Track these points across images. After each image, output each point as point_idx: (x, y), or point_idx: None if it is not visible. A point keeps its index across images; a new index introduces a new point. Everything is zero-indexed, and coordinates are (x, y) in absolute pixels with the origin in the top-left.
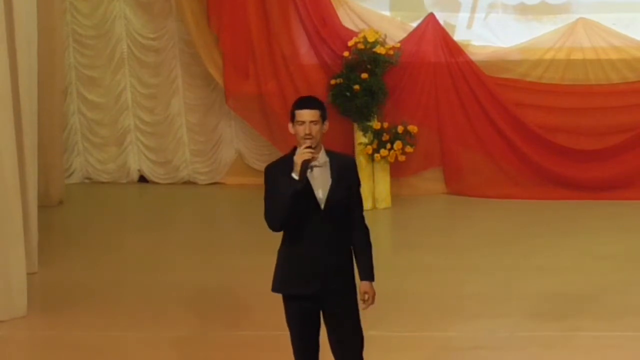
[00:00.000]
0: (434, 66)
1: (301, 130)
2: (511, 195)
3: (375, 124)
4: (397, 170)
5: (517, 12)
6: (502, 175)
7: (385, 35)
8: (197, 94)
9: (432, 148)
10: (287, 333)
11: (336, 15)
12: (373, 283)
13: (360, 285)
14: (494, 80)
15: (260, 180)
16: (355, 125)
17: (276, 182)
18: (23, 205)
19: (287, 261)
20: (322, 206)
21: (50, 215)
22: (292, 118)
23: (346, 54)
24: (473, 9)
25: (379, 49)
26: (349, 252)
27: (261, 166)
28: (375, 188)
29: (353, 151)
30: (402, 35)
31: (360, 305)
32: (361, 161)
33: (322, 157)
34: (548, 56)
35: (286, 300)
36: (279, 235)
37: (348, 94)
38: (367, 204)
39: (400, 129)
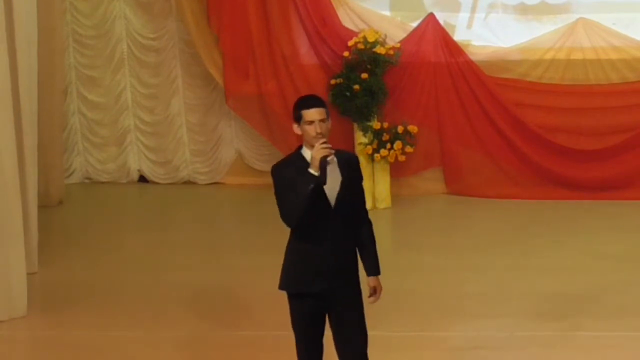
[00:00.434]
0: (434, 66)
1: (312, 129)
2: (511, 195)
3: (375, 124)
4: (397, 170)
5: (517, 12)
6: (502, 175)
7: (385, 35)
8: (197, 94)
9: (432, 148)
10: (287, 333)
11: (336, 15)
12: (379, 277)
13: (369, 280)
14: (494, 80)
15: (260, 180)
16: (355, 125)
17: (291, 180)
18: (23, 205)
19: (297, 259)
20: (332, 203)
21: (50, 215)
22: (298, 119)
23: (346, 54)
24: (473, 9)
25: (379, 49)
26: (355, 249)
27: (261, 166)
28: (375, 188)
29: (353, 151)
30: (402, 35)
31: (369, 300)
32: (361, 161)
33: (333, 153)
34: (548, 56)
35: (292, 298)
36: (279, 235)
37: (348, 93)
38: (367, 204)
39: (400, 129)
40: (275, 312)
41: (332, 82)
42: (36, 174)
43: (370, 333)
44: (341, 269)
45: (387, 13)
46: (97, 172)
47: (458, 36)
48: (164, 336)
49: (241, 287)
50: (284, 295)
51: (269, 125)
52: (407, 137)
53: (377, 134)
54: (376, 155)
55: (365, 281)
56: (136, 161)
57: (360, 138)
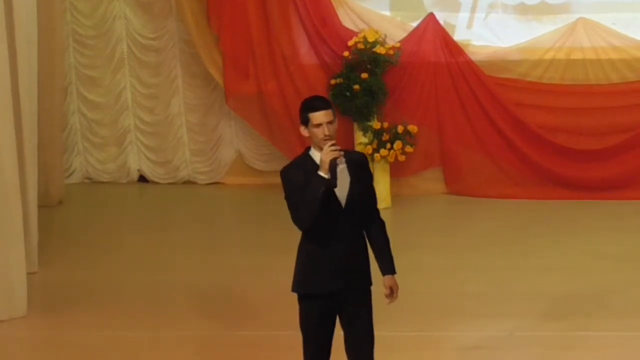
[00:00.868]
0: (434, 66)
1: (320, 132)
2: (511, 195)
3: (375, 124)
4: (397, 170)
5: (517, 12)
6: (502, 175)
7: (385, 35)
8: (197, 94)
9: (432, 148)
10: (288, 333)
11: (336, 15)
12: (395, 276)
13: (384, 279)
14: (494, 80)
15: (260, 180)
16: (355, 125)
17: (301, 184)
18: (23, 205)
19: (308, 260)
20: (343, 204)
21: (50, 215)
22: (306, 122)
23: (346, 53)
24: (473, 9)
25: (379, 49)
26: (367, 249)
27: (261, 166)
28: (375, 188)
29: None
30: (402, 35)
31: (386, 300)
32: None
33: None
34: (548, 56)
35: (303, 299)
36: (279, 235)
37: (348, 93)
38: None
39: (400, 128)
40: (276, 312)
41: (332, 82)
42: (36, 174)
43: None
44: (353, 269)
45: (387, 13)
46: (97, 172)
47: (458, 36)
48: (164, 336)
49: (241, 287)
50: (284, 295)
51: (269, 125)
52: (407, 137)
53: (377, 133)
54: (376, 155)
55: (376, 282)
56: (136, 161)
57: (360, 138)
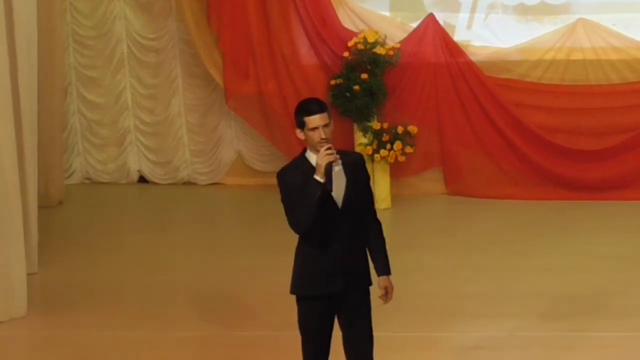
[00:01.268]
0: (433, 66)
1: (316, 136)
2: (511, 195)
3: (375, 125)
4: (397, 171)
5: (517, 13)
6: (502, 176)
7: (385, 36)
8: (197, 94)
9: (432, 148)
10: (288, 333)
11: (336, 15)
12: (390, 277)
13: (379, 280)
14: (494, 80)
15: (260, 180)
16: (355, 126)
17: (298, 187)
18: (23, 205)
19: (306, 262)
20: (340, 205)
21: (50, 215)
22: (302, 125)
23: (346, 54)
24: (473, 10)
25: (379, 50)
26: (365, 250)
27: (261, 166)
28: (375, 188)
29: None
30: (402, 35)
31: (380, 300)
32: None
33: (338, 156)
34: (548, 57)
35: (302, 301)
36: (279, 235)
37: (348, 94)
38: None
39: (400, 129)
40: (276, 312)
41: (332, 82)
42: (36, 174)
43: None
44: (351, 270)
45: (387, 13)
46: (97, 173)
47: (458, 36)
48: (164, 336)
49: (241, 287)
50: (284, 295)
51: (269, 126)
52: (407, 138)
53: (377, 134)
54: (376, 155)
55: (375, 282)
56: (136, 161)
57: (360, 138)
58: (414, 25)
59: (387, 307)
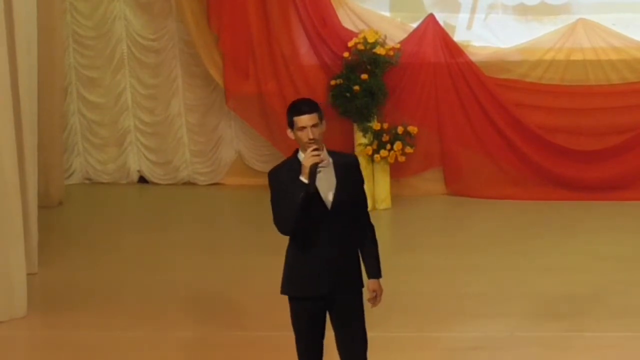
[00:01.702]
0: (433, 67)
1: (304, 135)
2: (511, 195)
3: (375, 125)
4: (397, 171)
5: (517, 13)
6: (502, 176)
7: (385, 36)
8: (197, 94)
9: (432, 149)
10: (287, 333)
11: (336, 15)
12: (380, 280)
13: (369, 283)
14: (494, 80)
15: (260, 180)
16: (355, 126)
17: (284, 187)
18: (23, 205)
19: (296, 262)
20: (329, 206)
21: (50, 215)
22: (291, 125)
23: (346, 54)
24: (473, 10)
25: (379, 50)
26: (356, 251)
27: (261, 167)
28: (375, 189)
29: (353, 152)
30: (402, 35)
31: (368, 303)
32: (361, 162)
33: (327, 158)
34: (548, 57)
35: (293, 301)
36: (279, 236)
37: (348, 94)
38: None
39: (400, 129)
40: (275, 312)
41: (332, 82)
42: (36, 174)
43: (370, 334)
44: (341, 272)
45: (387, 14)
46: (97, 173)
47: (458, 37)
48: (164, 336)
49: (241, 287)
50: (283, 295)
51: (268, 126)
52: (407, 138)
53: (377, 134)
54: (376, 156)
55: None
56: (136, 162)
57: (360, 139)
58: (414, 25)
59: (387, 307)
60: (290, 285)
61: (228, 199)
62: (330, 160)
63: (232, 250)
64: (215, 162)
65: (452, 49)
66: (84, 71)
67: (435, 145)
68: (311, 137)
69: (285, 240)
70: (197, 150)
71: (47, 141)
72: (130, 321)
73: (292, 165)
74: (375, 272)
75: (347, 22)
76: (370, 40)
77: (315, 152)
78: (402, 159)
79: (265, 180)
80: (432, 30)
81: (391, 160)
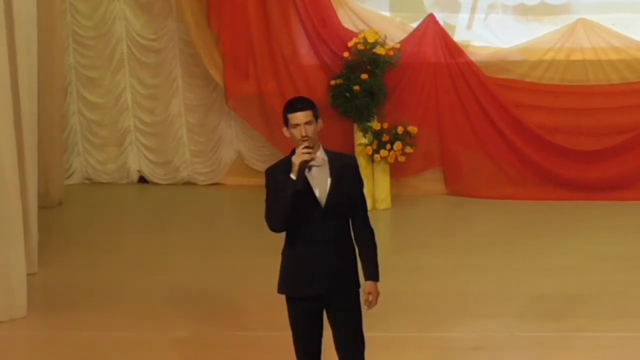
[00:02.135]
0: (433, 67)
1: (297, 133)
2: (511, 195)
3: (375, 125)
4: (397, 171)
5: (517, 13)
6: (502, 176)
7: (385, 36)
8: (197, 94)
9: (432, 149)
10: (287, 333)
11: (336, 15)
12: (377, 283)
13: (365, 285)
14: (494, 80)
15: (260, 180)
16: (355, 126)
17: (277, 184)
18: (23, 205)
19: (291, 262)
20: (323, 205)
21: (50, 215)
22: (286, 122)
23: (346, 54)
24: (473, 10)
25: (379, 50)
26: (353, 252)
27: (261, 167)
28: (375, 189)
29: (353, 152)
30: (402, 35)
31: (364, 305)
32: (361, 162)
33: (321, 156)
34: (548, 57)
35: (290, 301)
36: (279, 235)
37: (348, 94)
38: (367, 205)
39: (400, 129)
40: (275, 312)
41: (332, 82)
42: (36, 174)
43: (370, 334)
44: (337, 272)
45: (387, 14)
46: (97, 173)
47: (458, 37)
48: (164, 336)
49: (241, 287)
50: (283, 296)
51: (268, 126)
52: (407, 138)
53: (377, 134)
54: (376, 156)
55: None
56: (136, 162)
57: (360, 139)
58: (414, 25)
59: (387, 307)
60: (286, 285)
61: (228, 199)
62: (326, 159)
63: (232, 250)
64: (215, 162)
65: (452, 49)
66: (84, 71)
67: (435, 145)
68: (304, 134)
69: (284, 240)
70: (197, 150)
71: (47, 141)
72: (130, 321)
73: (288, 164)
74: (372, 274)
75: (347, 22)
76: (370, 40)
77: (306, 150)
78: (402, 159)
79: (264, 181)
80: (432, 30)
81: (391, 160)
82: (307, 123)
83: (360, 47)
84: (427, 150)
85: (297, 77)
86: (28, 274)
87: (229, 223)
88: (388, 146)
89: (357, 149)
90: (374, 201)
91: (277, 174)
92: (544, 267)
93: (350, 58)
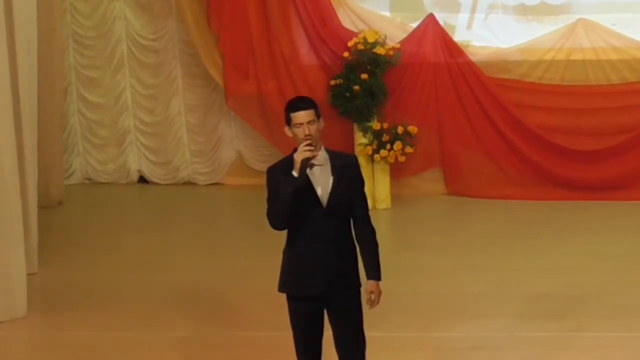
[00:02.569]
0: (433, 67)
1: (300, 132)
2: (511, 195)
3: (375, 125)
4: (397, 171)
5: (517, 13)
6: (502, 176)
7: (385, 36)
8: (197, 94)
9: (432, 148)
10: (287, 333)
11: (336, 15)
12: (379, 282)
13: (367, 284)
14: (494, 80)
15: (260, 180)
16: (355, 126)
17: (278, 183)
18: (23, 205)
19: (292, 261)
20: (324, 205)
21: (50, 215)
22: (288, 122)
23: (346, 54)
24: (473, 10)
25: (379, 50)
26: (354, 251)
27: (261, 167)
28: (375, 189)
29: (353, 152)
30: (402, 35)
31: (366, 305)
32: (361, 162)
33: (322, 155)
34: (548, 57)
35: (291, 300)
36: (279, 235)
37: (348, 94)
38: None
39: (400, 129)
40: (275, 312)
41: (332, 82)
42: (36, 174)
43: (370, 334)
44: (338, 272)
45: (387, 14)
46: (97, 173)
47: (458, 37)
48: (164, 336)
49: (241, 287)
50: (283, 295)
51: (268, 126)
52: (407, 138)
53: (377, 134)
54: (376, 156)
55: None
56: (136, 162)
57: (360, 139)
58: (414, 25)
59: (387, 307)
60: (286, 283)
61: (228, 199)
62: (327, 157)
63: (232, 250)
64: (215, 162)
65: (452, 49)
66: (84, 71)
67: (435, 145)
68: (307, 133)
69: (284, 239)
70: (197, 150)
71: (47, 141)
72: (130, 321)
73: (289, 163)
74: (374, 273)
75: (347, 22)
76: (370, 40)
77: (308, 147)
78: (402, 158)
79: (265, 180)
80: (432, 30)
81: (391, 160)
82: (309, 122)
83: (360, 47)
84: (427, 150)
85: (297, 77)
86: (28, 274)
87: (229, 223)
88: (388, 146)
89: (357, 149)
90: (374, 201)
91: (279, 172)
92: (544, 267)
93: (350, 58)
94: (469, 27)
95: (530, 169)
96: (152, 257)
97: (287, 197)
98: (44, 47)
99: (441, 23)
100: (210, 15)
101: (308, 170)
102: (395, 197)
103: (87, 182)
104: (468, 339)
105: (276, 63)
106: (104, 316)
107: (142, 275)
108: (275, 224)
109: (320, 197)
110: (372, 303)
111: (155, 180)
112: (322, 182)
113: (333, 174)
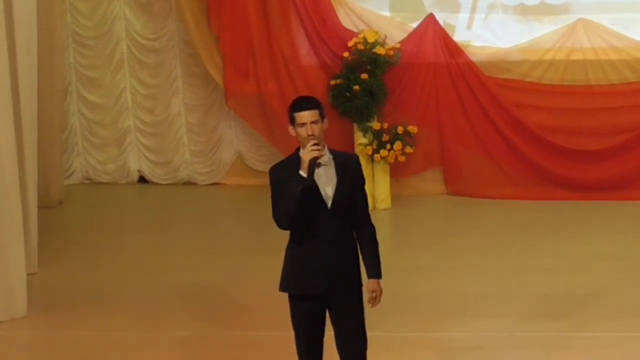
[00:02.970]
0: (433, 67)
1: (303, 131)
2: (511, 195)
3: (375, 125)
4: (397, 171)
5: (517, 13)
6: (502, 176)
7: (385, 36)
8: (197, 94)
9: (432, 148)
10: (287, 333)
11: (336, 15)
12: (380, 280)
13: (368, 283)
14: (494, 80)
15: (260, 180)
16: (355, 126)
17: (283, 182)
18: (23, 205)
19: (295, 260)
20: (329, 204)
21: (50, 215)
22: (292, 121)
23: (346, 54)
24: (473, 10)
25: (379, 50)
26: (356, 251)
27: (261, 167)
28: (375, 189)
29: (353, 152)
30: (402, 35)
31: (368, 303)
32: (361, 162)
33: (327, 155)
34: (548, 57)
35: (292, 299)
36: (279, 235)
37: (348, 94)
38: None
39: (400, 129)
40: (275, 312)
41: (332, 82)
42: (36, 174)
43: (370, 333)
44: (340, 271)
45: (387, 14)
46: (97, 173)
47: (458, 37)
48: (164, 336)
49: (241, 287)
50: (283, 295)
51: (268, 126)
52: (407, 138)
53: (377, 134)
54: (376, 155)
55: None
56: (136, 162)
57: (360, 139)
58: (414, 25)
59: (387, 307)
60: (288, 282)
61: (228, 199)
62: (331, 157)
63: (232, 250)
64: (215, 162)
65: (452, 49)
66: (84, 71)
67: (435, 145)
68: (310, 133)
69: (285, 239)
70: (197, 150)
71: (47, 141)
72: (130, 321)
73: (292, 162)
74: (375, 272)
75: (347, 22)
76: (370, 40)
77: (315, 147)
78: (402, 158)
79: (265, 180)
80: (432, 30)
81: (391, 160)
82: (313, 122)
83: (360, 47)
84: (427, 150)
85: (297, 77)
86: (28, 274)
87: (229, 223)
88: (388, 146)
89: (357, 149)
90: (374, 201)
91: (281, 171)
92: (543, 267)
93: (350, 58)
94: (469, 27)
95: (530, 169)
96: (152, 257)
97: (295, 196)
98: (44, 47)
99: (441, 23)
100: (210, 15)
101: (315, 171)
102: (395, 197)
103: (87, 182)
104: (468, 339)
105: (276, 63)
106: (104, 316)
107: (142, 275)
108: (282, 224)
109: (325, 197)
110: (374, 301)
111: (155, 180)
112: (327, 182)
113: (337, 174)
